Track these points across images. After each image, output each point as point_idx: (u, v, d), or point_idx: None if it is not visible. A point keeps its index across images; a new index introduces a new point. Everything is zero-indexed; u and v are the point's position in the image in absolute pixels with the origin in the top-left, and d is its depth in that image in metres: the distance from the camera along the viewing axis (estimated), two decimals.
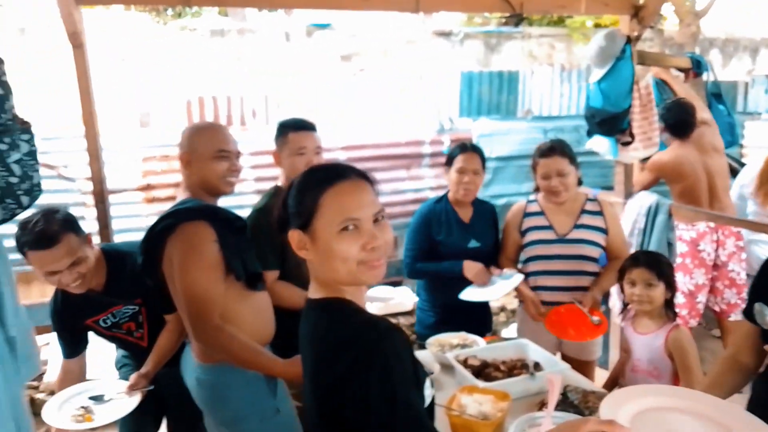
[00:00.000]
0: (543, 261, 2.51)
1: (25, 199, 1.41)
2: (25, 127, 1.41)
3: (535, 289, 2.51)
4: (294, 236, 1.12)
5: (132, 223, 3.84)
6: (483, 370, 2.00)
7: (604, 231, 2.50)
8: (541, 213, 2.54)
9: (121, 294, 2.10)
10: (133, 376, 2.06)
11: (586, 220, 2.50)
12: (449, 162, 2.55)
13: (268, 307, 1.94)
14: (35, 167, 1.44)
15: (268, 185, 2.53)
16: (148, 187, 4.07)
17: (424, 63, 7.06)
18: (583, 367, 2.45)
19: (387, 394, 0.99)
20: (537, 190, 2.58)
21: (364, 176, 1.15)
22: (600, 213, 2.52)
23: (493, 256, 2.60)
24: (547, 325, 2.40)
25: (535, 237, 2.53)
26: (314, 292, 1.16)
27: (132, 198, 4.02)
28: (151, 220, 1.85)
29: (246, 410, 1.78)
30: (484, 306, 2.64)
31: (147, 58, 6.41)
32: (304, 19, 7.45)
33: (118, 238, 2.83)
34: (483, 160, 2.52)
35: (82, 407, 2.00)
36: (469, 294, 2.42)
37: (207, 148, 1.87)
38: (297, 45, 7.25)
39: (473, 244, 2.54)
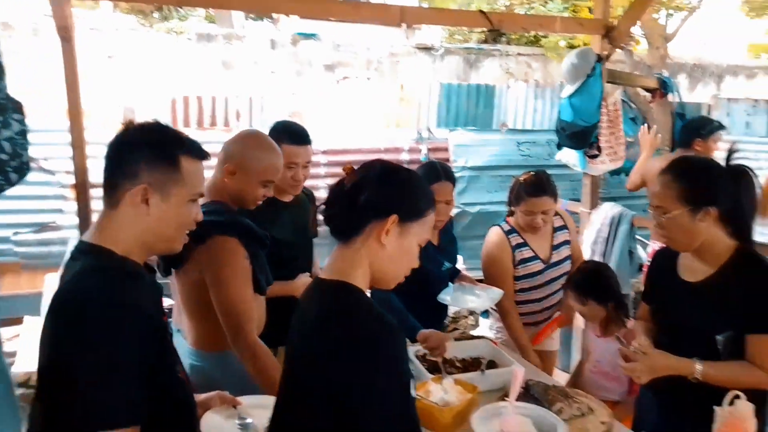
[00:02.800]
0: (532, 291, 2.58)
1: (13, 176, 1.46)
2: (17, 107, 1.47)
3: (522, 314, 2.57)
4: (391, 221, 1.13)
5: None
6: (440, 366, 2.07)
7: (569, 242, 2.64)
8: (525, 245, 2.56)
9: None
10: None
11: (558, 239, 2.60)
12: None
13: (263, 305, 1.99)
14: (25, 146, 1.50)
15: None
16: None
17: (405, 75, 7.22)
18: (543, 356, 2.59)
19: (386, 395, 1.04)
20: (511, 214, 2.58)
21: None
22: (565, 227, 2.64)
23: (457, 272, 2.62)
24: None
25: (526, 271, 2.56)
26: (329, 273, 1.17)
27: None
28: None
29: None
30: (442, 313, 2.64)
31: (133, 56, 6.42)
32: (290, 28, 7.56)
33: None
34: (453, 185, 2.45)
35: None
36: (448, 298, 2.38)
37: (259, 174, 1.85)
38: (283, 52, 7.35)
39: (446, 266, 2.52)
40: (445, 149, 4.72)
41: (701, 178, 1.67)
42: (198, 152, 1.23)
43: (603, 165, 3.34)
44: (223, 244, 1.75)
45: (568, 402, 1.92)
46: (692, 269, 1.75)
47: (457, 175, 4.87)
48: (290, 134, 2.19)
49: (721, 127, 3.50)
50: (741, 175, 1.72)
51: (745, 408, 1.28)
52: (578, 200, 3.83)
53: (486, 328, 2.79)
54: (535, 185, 2.41)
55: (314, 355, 1.10)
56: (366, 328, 1.07)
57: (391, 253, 1.13)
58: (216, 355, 1.86)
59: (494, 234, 2.60)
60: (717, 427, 1.31)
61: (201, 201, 1.83)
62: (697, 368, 1.57)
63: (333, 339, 1.06)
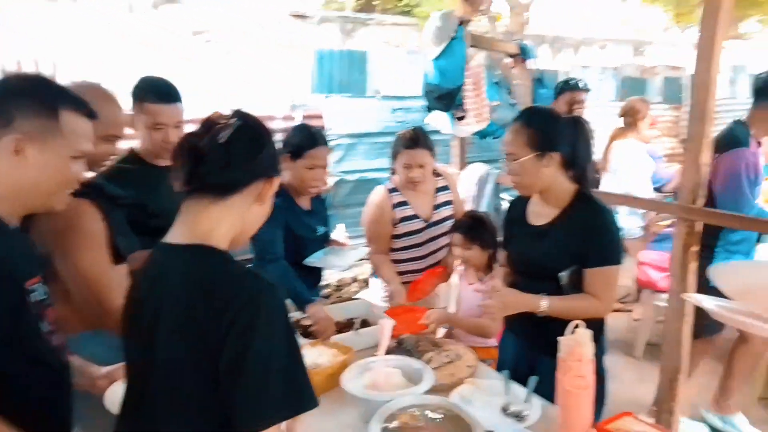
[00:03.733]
0: (413, 249, 2.62)
1: None
2: None
3: (402, 273, 2.59)
4: (276, 181, 1.13)
5: None
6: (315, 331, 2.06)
7: (451, 203, 2.68)
8: (406, 203, 2.59)
9: None
10: None
11: (440, 198, 2.65)
12: (297, 153, 2.30)
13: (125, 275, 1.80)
14: None
15: None
16: None
17: (278, 41, 6.99)
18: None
19: (267, 351, 0.97)
20: (393, 172, 2.61)
21: None
22: (447, 188, 2.69)
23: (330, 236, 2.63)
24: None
25: (406, 229, 2.59)
26: (180, 238, 1.07)
27: None
28: None
29: None
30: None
31: None
32: None
33: None
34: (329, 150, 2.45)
35: None
36: (316, 260, 2.44)
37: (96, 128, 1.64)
38: (142, 17, 6.77)
39: (320, 230, 2.51)
40: (320, 117, 4.65)
41: (546, 126, 1.80)
42: (83, 108, 1.21)
43: (469, 126, 3.47)
44: (72, 206, 1.49)
45: (438, 351, 2.00)
46: (539, 214, 1.89)
47: (333, 143, 4.85)
48: (155, 91, 1.99)
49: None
50: (578, 124, 1.87)
51: (584, 335, 1.40)
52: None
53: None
54: (411, 138, 2.47)
55: (196, 324, 0.99)
56: (252, 289, 1.00)
57: (263, 212, 1.13)
58: (87, 336, 1.66)
59: (376, 193, 2.65)
60: (561, 355, 1.41)
61: None
62: (543, 303, 1.70)
63: (219, 308, 0.97)
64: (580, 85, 3.83)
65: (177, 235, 1.08)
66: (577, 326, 1.43)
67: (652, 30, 15.78)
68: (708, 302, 1.04)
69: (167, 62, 5.80)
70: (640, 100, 4.14)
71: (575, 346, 1.38)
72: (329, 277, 4.54)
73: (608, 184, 4.15)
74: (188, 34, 6.95)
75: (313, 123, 4.54)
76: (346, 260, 2.49)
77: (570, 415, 1.37)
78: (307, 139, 2.29)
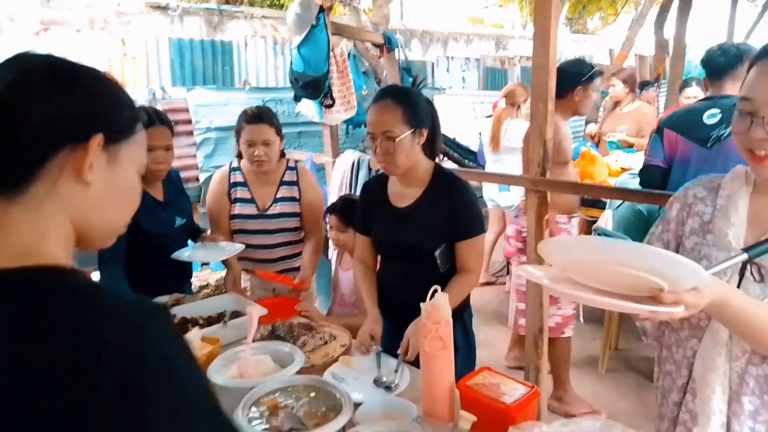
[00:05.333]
0: (246, 235, 2.50)
1: None
2: None
3: (241, 260, 2.48)
4: (95, 145, 0.72)
5: None
6: (184, 325, 1.98)
7: (297, 200, 2.55)
8: (244, 185, 2.50)
9: None
10: None
11: (284, 192, 2.52)
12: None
13: None
14: None
15: None
16: None
17: (135, 33, 6.53)
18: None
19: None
20: (239, 156, 2.51)
21: None
22: (296, 184, 2.55)
23: (196, 229, 2.52)
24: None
25: (240, 211, 2.49)
26: None
27: None
28: None
29: None
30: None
31: None
32: None
33: None
34: (171, 130, 2.29)
35: None
36: (186, 254, 2.29)
37: None
38: None
39: (178, 221, 2.37)
40: (185, 110, 4.41)
41: (414, 103, 1.84)
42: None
43: (338, 114, 3.49)
44: None
45: (312, 334, 1.99)
46: (401, 195, 1.93)
47: (202, 136, 4.65)
48: None
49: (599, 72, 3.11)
50: (430, 103, 1.95)
51: (441, 298, 1.45)
52: None
53: None
54: (254, 114, 2.40)
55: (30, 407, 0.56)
56: (128, 326, 0.61)
57: (102, 192, 0.74)
58: None
59: (218, 170, 2.57)
60: (421, 320, 1.45)
61: None
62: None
63: (73, 372, 0.57)
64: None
65: None
66: (435, 291, 1.48)
67: (511, 26, 17.11)
68: (539, 275, 1.13)
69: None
70: (520, 85, 4.49)
71: (432, 309, 1.43)
72: (208, 277, 4.36)
73: (499, 162, 4.41)
74: (34, 26, 6.26)
75: (178, 117, 4.32)
76: (217, 255, 2.39)
77: (432, 377, 1.42)
78: (145, 120, 2.14)
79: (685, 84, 4.71)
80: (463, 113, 6.10)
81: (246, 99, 4.71)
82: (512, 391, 1.41)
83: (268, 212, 2.51)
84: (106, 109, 0.75)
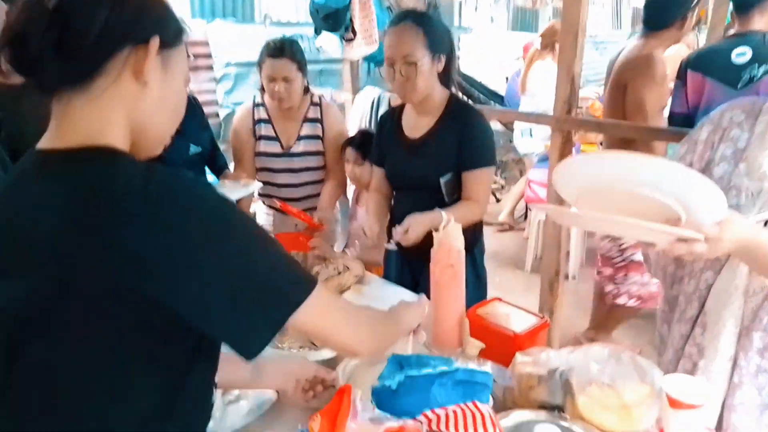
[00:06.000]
0: (271, 174, 2.48)
1: None
2: None
3: (264, 196, 2.49)
4: (153, 48, 0.79)
5: None
6: None
7: (321, 138, 2.48)
8: (268, 121, 2.44)
9: None
10: None
11: (307, 129, 2.45)
12: None
13: None
14: None
15: None
16: None
17: None
18: None
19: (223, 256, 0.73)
20: (262, 89, 2.43)
21: None
22: (319, 121, 2.48)
23: (213, 160, 2.49)
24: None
25: (264, 149, 2.46)
26: (52, 143, 0.78)
27: None
28: None
29: None
30: None
31: None
32: None
33: None
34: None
35: None
36: None
37: None
38: None
39: (194, 149, 2.34)
40: (204, 43, 4.34)
41: (435, 27, 1.77)
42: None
43: (359, 48, 3.40)
44: None
45: (325, 264, 2.01)
46: (415, 126, 1.89)
47: (221, 72, 4.59)
48: None
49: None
50: (448, 29, 1.87)
51: (454, 228, 1.44)
52: None
53: None
54: (276, 47, 2.29)
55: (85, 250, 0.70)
56: (172, 185, 0.73)
57: (156, 96, 0.81)
58: None
59: (242, 106, 2.52)
60: (434, 249, 1.45)
61: None
62: (444, 216, 1.70)
63: (122, 220, 0.69)
64: None
65: (48, 140, 0.79)
66: (448, 222, 1.46)
67: None
68: (552, 211, 1.09)
69: None
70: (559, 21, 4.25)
71: (444, 238, 1.43)
72: None
73: (526, 106, 4.29)
74: None
75: (197, 50, 4.25)
76: (234, 194, 2.35)
77: (442, 305, 1.43)
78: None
79: (728, 29, 4.45)
80: (490, 55, 5.91)
81: (267, 33, 4.60)
82: (522, 320, 1.41)
83: (292, 150, 2.46)
84: (161, 15, 0.81)
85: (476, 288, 1.91)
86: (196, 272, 0.70)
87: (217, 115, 4.54)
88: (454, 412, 0.76)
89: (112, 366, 0.73)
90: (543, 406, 1.06)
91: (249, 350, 0.76)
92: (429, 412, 0.78)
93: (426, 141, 1.85)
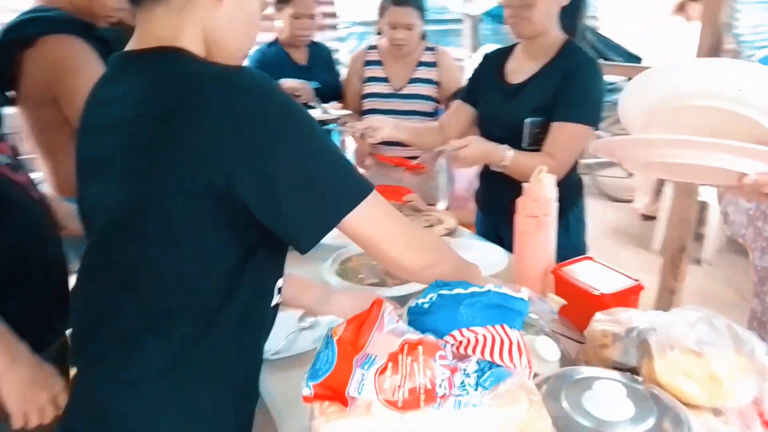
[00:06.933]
0: (377, 115, 2.41)
1: None
2: None
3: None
4: None
5: None
6: None
7: (435, 83, 2.46)
8: (379, 63, 2.48)
9: None
10: None
11: (420, 73, 2.45)
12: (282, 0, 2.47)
13: None
14: None
15: None
16: None
17: None
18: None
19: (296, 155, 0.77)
20: (379, 33, 2.50)
21: None
22: (434, 65, 2.46)
23: (334, 99, 2.59)
24: None
25: (373, 89, 2.49)
26: (135, 45, 0.85)
27: None
28: None
29: None
30: None
31: None
32: None
33: None
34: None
35: None
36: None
37: None
38: None
39: (314, 85, 2.48)
40: (330, 2, 4.42)
41: None
42: None
43: (480, 3, 3.25)
44: (64, 45, 1.46)
45: (419, 215, 1.99)
46: (518, 70, 1.76)
47: (346, 30, 4.66)
48: None
49: None
50: None
51: (546, 177, 1.33)
52: None
53: None
54: None
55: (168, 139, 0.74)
56: (246, 82, 0.76)
57: (230, 13, 0.84)
58: None
59: (355, 50, 2.64)
60: (521, 198, 1.35)
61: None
62: (508, 154, 1.58)
63: (197, 113, 0.73)
64: None
65: (129, 46, 0.86)
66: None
67: None
68: (606, 144, 0.94)
69: None
70: None
71: (533, 185, 1.32)
72: None
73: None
74: None
75: (323, 9, 4.34)
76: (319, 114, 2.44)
77: (523, 257, 1.34)
78: None
79: None
80: (634, 12, 5.33)
81: None
82: (612, 281, 1.27)
83: (402, 92, 2.46)
84: None
85: (566, 248, 1.75)
86: (262, 162, 0.73)
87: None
88: (484, 336, 0.71)
89: (180, 253, 0.78)
90: (616, 368, 0.95)
91: (301, 243, 0.79)
92: (457, 333, 0.73)
93: (527, 84, 1.70)
